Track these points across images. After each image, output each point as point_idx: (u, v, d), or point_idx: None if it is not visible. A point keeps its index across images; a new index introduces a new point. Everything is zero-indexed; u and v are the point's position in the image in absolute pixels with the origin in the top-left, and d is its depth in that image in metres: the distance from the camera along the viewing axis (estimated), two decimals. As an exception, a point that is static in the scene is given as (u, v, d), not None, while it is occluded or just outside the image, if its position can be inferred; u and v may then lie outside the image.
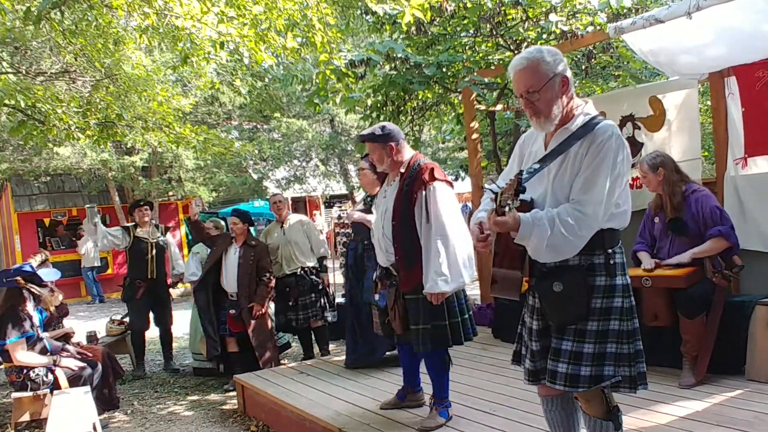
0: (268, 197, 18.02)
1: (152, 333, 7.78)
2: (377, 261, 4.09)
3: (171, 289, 7.72)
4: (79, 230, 15.66)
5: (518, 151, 2.83)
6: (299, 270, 6.56)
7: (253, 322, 6.05)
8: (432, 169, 3.75)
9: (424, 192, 3.69)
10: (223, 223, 7.86)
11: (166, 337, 7.48)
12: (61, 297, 6.55)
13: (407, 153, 3.90)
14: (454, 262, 3.63)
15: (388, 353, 5.40)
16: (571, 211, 2.40)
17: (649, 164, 4.44)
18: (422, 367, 4.24)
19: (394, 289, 3.88)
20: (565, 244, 2.40)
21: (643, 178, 4.54)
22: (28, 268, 5.28)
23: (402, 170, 3.84)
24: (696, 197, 4.34)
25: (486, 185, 7.32)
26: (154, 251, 7.25)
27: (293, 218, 6.85)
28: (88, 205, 7.29)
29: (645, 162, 4.49)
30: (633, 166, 5.78)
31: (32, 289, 5.19)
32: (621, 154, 2.45)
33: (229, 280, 6.16)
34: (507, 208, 2.31)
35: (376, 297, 4.82)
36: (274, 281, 6.26)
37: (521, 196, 2.35)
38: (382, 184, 5.42)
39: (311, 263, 6.67)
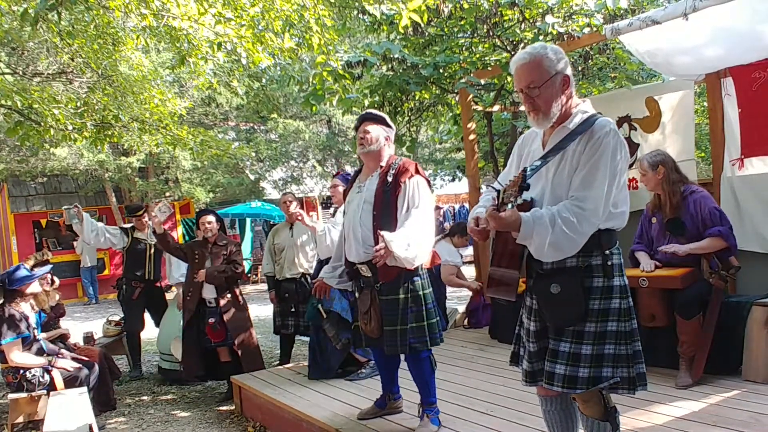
0: (264, 198, 18.13)
1: (149, 334, 7.77)
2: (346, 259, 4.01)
3: (167, 293, 7.71)
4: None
5: (517, 151, 2.82)
6: (300, 276, 6.28)
7: (237, 332, 5.86)
8: (416, 165, 3.85)
9: (409, 182, 3.75)
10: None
11: None
12: (57, 297, 6.55)
13: (390, 151, 3.98)
14: (420, 241, 3.66)
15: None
16: (571, 207, 2.39)
17: (650, 162, 4.44)
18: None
19: (369, 290, 3.81)
20: (567, 242, 2.38)
21: (642, 177, 4.53)
22: (21, 272, 5.26)
23: (382, 164, 3.88)
24: (694, 198, 4.35)
25: (484, 185, 7.33)
26: (152, 252, 7.25)
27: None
28: (65, 207, 7.14)
29: (645, 160, 4.47)
30: (631, 166, 5.80)
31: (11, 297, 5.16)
32: (619, 150, 2.45)
33: (207, 286, 5.92)
34: (510, 205, 2.30)
35: (334, 304, 4.83)
36: (240, 271, 5.97)
37: (524, 194, 2.34)
38: None
39: (306, 267, 6.34)
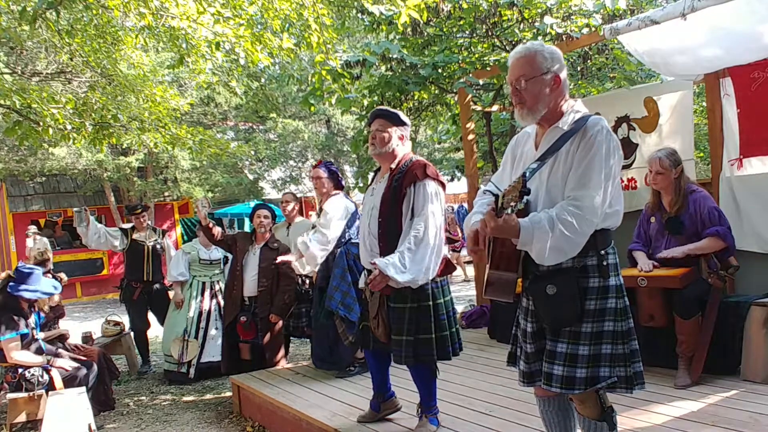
0: (263, 198, 18.12)
1: (153, 333, 7.78)
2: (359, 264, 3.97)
3: (169, 291, 7.72)
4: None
5: (510, 152, 2.83)
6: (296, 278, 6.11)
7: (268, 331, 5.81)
8: (424, 166, 3.63)
9: (413, 188, 3.57)
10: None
11: None
12: (57, 298, 6.54)
13: (405, 150, 3.78)
14: (420, 259, 3.47)
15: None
16: (568, 208, 2.38)
17: (671, 160, 4.38)
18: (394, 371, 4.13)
19: (378, 296, 3.64)
20: (568, 244, 2.38)
21: (657, 175, 4.42)
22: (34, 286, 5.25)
23: (393, 166, 3.71)
24: (695, 197, 4.35)
25: (482, 185, 7.34)
26: (150, 254, 7.31)
27: (300, 222, 6.45)
28: (75, 209, 7.27)
29: (665, 158, 4.38)
30: (630, 166, 5.81)
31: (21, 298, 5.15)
32: (612, 148, 2.46)
33: (248, 284, 5.84)
34: (510, 210, 2.27)
35: (332, 303, 4.76)
36: (292, 292, 5.89)
37: (525, 198, 2.31)
38: (335, 189, 5.32)
39: (307, 271, 6.04)
